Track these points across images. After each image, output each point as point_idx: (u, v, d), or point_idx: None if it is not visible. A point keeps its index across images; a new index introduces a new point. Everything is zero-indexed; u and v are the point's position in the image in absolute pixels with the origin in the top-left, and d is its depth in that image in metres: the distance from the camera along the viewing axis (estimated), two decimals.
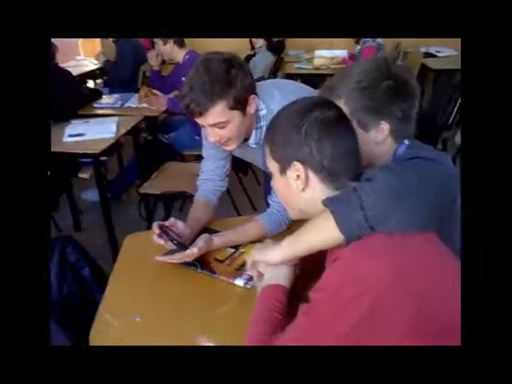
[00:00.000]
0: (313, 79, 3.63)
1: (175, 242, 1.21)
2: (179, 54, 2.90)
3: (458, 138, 2.33)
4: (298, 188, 0.85)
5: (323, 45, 4.71)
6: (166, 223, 1.28)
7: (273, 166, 0.89)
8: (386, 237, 0.74)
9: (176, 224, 1.29)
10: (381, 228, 0.74)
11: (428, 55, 4.07)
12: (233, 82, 1.14)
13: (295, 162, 0.83)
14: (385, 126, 0.96)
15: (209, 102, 1.13)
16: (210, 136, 1.22)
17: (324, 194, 0.84)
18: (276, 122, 0.89)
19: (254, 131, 1.29)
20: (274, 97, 1.28)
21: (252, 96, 1.21)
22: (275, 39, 4.17)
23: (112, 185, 3.04)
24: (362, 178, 0.82)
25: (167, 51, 2.93)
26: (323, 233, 0.81)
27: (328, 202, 0.80)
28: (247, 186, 2.99)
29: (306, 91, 1.43)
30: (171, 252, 1.23)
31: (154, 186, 2.43)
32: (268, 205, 1.53)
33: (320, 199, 0.83)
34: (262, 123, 1.29)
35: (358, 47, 3.63)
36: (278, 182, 0.90)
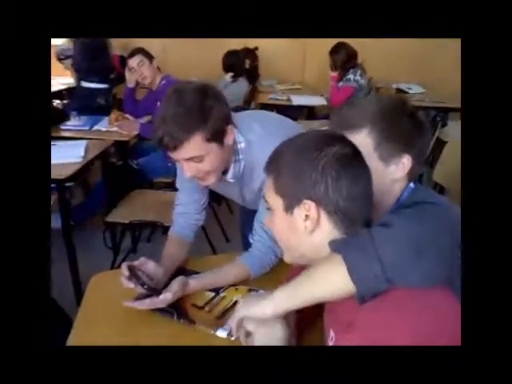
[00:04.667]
0: (288, 110, 3.63)
1: (146, 286, 1.10)
2: (156, 78, 2.81)
3: (435, 175, 2.34)
4: (306, 229, 0.75)
5: (295, 77, 4.79)
6: (136, 263, 1.16)
7: (275, 202, 0.78)
8: (404, 294, 0.67)
9: (147, 264, 1.18)
10: (399, 282, 0.67)
11: (399, 91, 4.17)
12: (208, 113, 1.06)
13: (306, 200, 0.74)
14: (407, 161, 0.89)
15: (184, 135, 1.04)
16: (186, 171, 1.12)
17: (333, 239, 0.75)
18: (284, 153, 0.79)
19: (232, 165, 1.21)
20: (254, 129, 1.21)
21: (229, 126, 1.13)
22: (247, 66, 4.16)
23: (76, 211, 2.87)
24: (375, 224, 0.74)
25: (152, 71, 2.79)
26: (331, 283, 0.71)
27: (339, 247, 0.72)
28: (220, 215, 2.90)
29: (287, 123, 1.38)
30: (142, 296, 1.11)
31: (121, 214, 2.30)
32: (244, 240, 1.44)
33: (326, 245, 0.74)
34: (240, 156, 1.21)
35: (341, 83, 3.64)
36: (279, 220, 0.79)
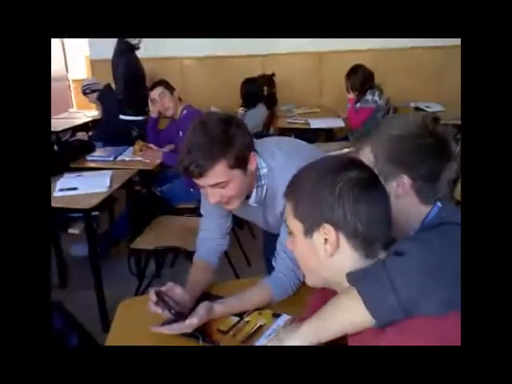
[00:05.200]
0: (306, 134, 3.67)
1: (173, 311, 1.12)
2: (178, 108, 2.90)
3: (456, 193, 2.31)
4: (326, 253, 0.77)
5: (313, 100, 4.84)
6: (163, 288, 1.19)
7: (295, 226, 0.80)
8: (425, 321, 0.68)
9: (173, 289, 1.20)
10: (417, 312, 0.68)
11: (418, 110, 4.16)
12: (232, 142, 1.11)
13: (325, 224, 0.76)
14: (406, 181, 0.91)
15: (208, 163, 1.09)
16: (211, 197, 1.17)
17: (354, 262, 0.76)
18: (302, 178, 0.81)
19: (254, 190, 1.25)
20: (275, 155, 1.25)
21: (252, 153, 1.18)
22: (265, 92, 4.25)
23: (101, 239, 2.94)
24: (391, 250, 0.75)
25: (173, 102, 2.87)
26: (352, 317, 0.73)
27: (355, 280, 0.73)
28: (242, 239, 2.92)
29: (307, 149, 1.41)
30: (169, 322, 1.14)
31: (146, 240, 2.35)
32: (268, 263, 1.45)
33: (348, 268, 0.76)
34: (262, 182, 1.25)
35: (358, 104, 3.68)
36: (299, 244, 0.81)
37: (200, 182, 1.13)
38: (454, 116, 3.65)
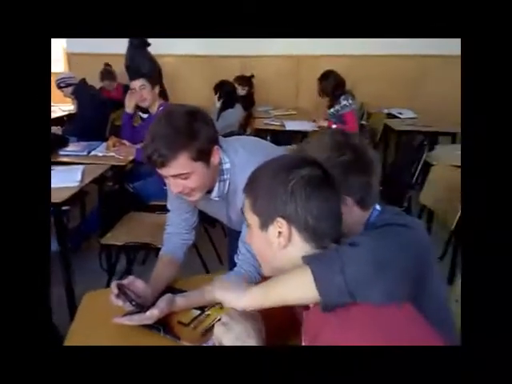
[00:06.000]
0: (282, 135, 3.73)
1: (134, 303, 1.15)
2: (155, 104, 2.89)
3: (421, 198, 2.40)
4: (280, 245, 0.82)
5: (290, 103, 4.91)
6: (125, 282, 1.22)
7: (252, 220, 0.86)
8: (366, 309, 0.72)
9: (135, 283, 1.23)
10: (360, 297, 0.73)
11: (391, 116, 4.27)
12: (196, 135, 1.14)
13: (279, 218, 0.81)
14: (348, 201, 0.98)
15: (171, 154, 1.12)
16: (173, 187, 1.20)
17: (305, 254, 0.81)
18: (259, 175, 0.86)
19: (217, 184, 1.28)
20: (238, 152, 1.29)
21: (215, 147, 1.21)
22: (243, 93, 4.30)
23: (72, 234, 2.92)
24: (344, 242, 0.80)
25: (153, 97, 2.85)
26: (300, 290, 0.78)
27: (308, 260, 0.78)
28: (214, 238, 2.94)
29: (272, 149, 1.45)
30: (130, 313, 1.16)
31: (117, 236, 2.35)
32: (231, 261, 1.49)
33: (300, 259, 0.80)
34: (225, 176, 1.28)
35: (332, 110, 3.75)
36: (256, 237, 0.87)
37: (162, 171, 1.16)
38: (424, 123, 3.81)
